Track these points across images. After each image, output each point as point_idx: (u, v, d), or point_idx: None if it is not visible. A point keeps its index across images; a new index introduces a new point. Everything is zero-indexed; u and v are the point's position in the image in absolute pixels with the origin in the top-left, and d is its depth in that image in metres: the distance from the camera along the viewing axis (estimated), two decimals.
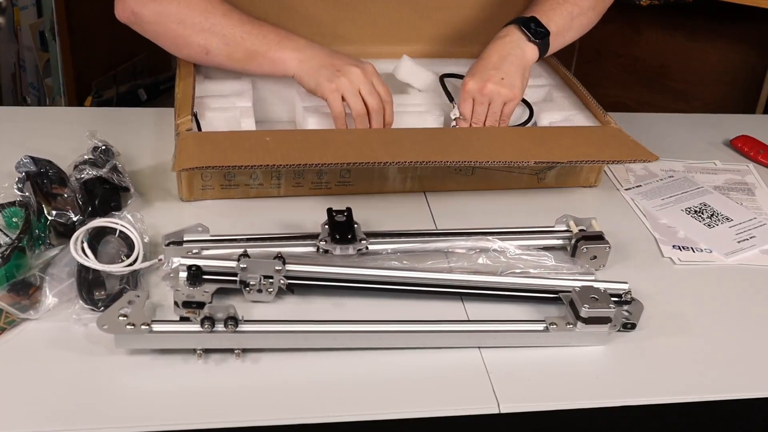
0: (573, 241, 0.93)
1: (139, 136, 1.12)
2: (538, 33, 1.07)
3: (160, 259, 0.85)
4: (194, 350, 0.76)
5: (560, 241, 0.95)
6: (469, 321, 0.84)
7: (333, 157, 0.93)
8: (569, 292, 0.83)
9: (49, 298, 0.79)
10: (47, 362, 0.74)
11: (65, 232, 0.87)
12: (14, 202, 0.90)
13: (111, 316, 0.74)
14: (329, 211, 0.90)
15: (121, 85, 2.22)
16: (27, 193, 0.91)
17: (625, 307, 0.85)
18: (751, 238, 1.03)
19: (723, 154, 1.25)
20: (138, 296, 0.76)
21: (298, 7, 1.14)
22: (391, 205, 1.03)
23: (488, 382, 0.77)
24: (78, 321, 0.78)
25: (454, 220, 1.00)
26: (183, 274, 0.81)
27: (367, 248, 0.88)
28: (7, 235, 0.85)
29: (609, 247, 0.92)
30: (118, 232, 0.86)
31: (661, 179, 1.15)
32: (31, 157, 0.94)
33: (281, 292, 0.84)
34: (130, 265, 0.83)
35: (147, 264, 0.85)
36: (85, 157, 0.98)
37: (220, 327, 0.75)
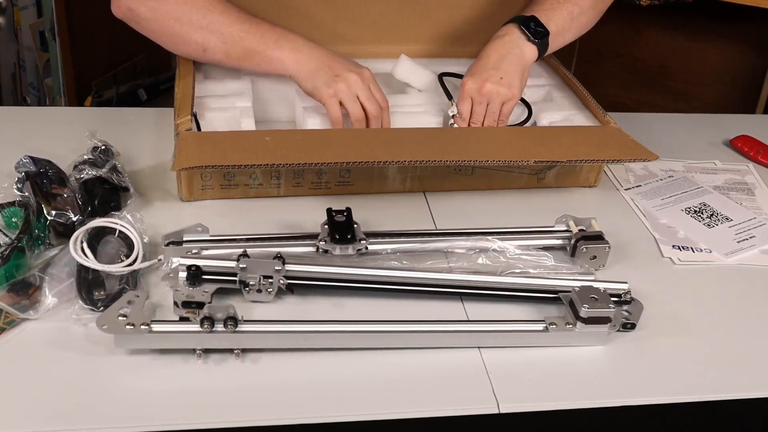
0: (573, 241, 0.92)
1: (139, 136, 1.12)
2: (537, 33, 1.07)
3: (160, 259, 0.85)
4: (194, 350, 0.76)
5: (560, 241, 0.95)
6: (468, 321, 0.84)
7: (333, 156, 0.93)
8: (569, 292, 0.83)
9: (48, 298, 0.79)
10: (47, 362, 0.74)
11: (65, 232, 0.87)
12: (14, 202, 0.90)
13: (111, 316, 0.74)
14: (329, 211, 0.90)
15: (121, 85, 2.22)
16: (27, 193, 0.91)
17: (625, 307, 0.85)
18: (750, 238, 1.03)
19: (723, 154, 1.25)
20: (138, 296, 0.76)
21: (298, 6, 1.14)
22: (390, 205, 1.02)
23: (488, 382, 0.77)
24: (78, 321, 0.78)
25: (453, 220, 1.00)
26: (183, 274, 0.81)
27: (366, 248, 0.88)
28: (7, 235, 0.85)
29: (609, 247, 0.92)
30: (117, 232, 0.86)
31: (661, 179, 1.15)
32: (31, 157, 0.94)
33: (281, 292, 0.84)
34: (130, 265, 0.83)
35: (147, 264, 0.85)
36: (85, 157, 0.98)
37: (219, 327, 0.75)
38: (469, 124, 1.06)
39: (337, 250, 0.88)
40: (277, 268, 0.82)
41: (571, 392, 0.77)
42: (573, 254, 0.92)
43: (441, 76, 1.12)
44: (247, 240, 0.88)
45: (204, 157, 0.91)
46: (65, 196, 0.90)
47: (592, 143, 1.03)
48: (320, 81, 1.01)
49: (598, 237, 0.92)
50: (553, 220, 0.96)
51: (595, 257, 0.92)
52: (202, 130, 0.99)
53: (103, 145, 1.00)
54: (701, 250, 1.00)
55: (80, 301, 0.79)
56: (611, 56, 1.92)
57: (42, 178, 0.92)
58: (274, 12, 1.11)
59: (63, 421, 0.69)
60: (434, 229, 0.99)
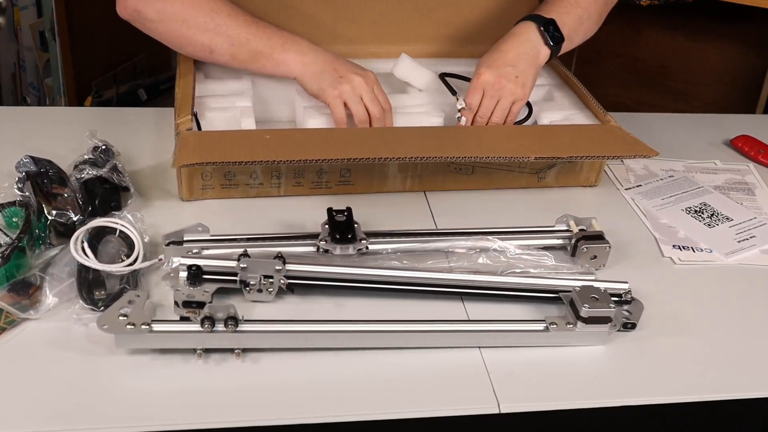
0: (573, 241, 0.92)
1: (139, 136, 1.12)
2: (555, 38, 1.06)
3: (160, 259, 0.85)
4: (194, 350, 0.76)
5: (560, 241, 0.95)
6: (469, 321, 0.84)
7: (333, 153, 0.93)
8: (569, 291, 0.83)
9: (49, 298, 0.79)
10: (47, 362, 0.74)
11: (65, 231, 0.87)
12: (14, 201, 0.90)
13: (111, 315, 0.74)
14: (329, 210, 0.90)
15: (121, 85, 2.22)
16: (27, 193, 0.91)
17: (625, 307, 0.85)
18: (751, 237, 1.03)
19: (723, 153, 1.25)
20: (138, 296, 0.76)
21: (299, 7, 1.14)
22: (391, 204, 1.03)
23: (488, 382, 0.77)
24: (78, 321, 0.78)
25: (454, 220, 1.00)
26: (183, 274, 0.81)
27: (367, 248, 0.88)
28: (7, 235, 0.85)
29: (609, 247, 0.92)
30: (118, 231, 0.86)
31: (662, 179, 1.15)
32: (31, 157, 0.94)
33: (281, 292, 0.84)
34: (130, 264, 0.83)
35: (147, 264, 0.85)
36: (85, 156, 0.98)
37: (220, 327, 0.75)
38: (474, 118, 1.05)
39: (338, 249, 0.88)
40: (277, 267, 0.82)
41: (571, 392, 0.77)
42: (573, 254, 0.92)
43: (442, 76, 1.12)
44: (248, 240, 0.88)
45: (204, 154, 0.91)
46: (66, 195, 0.90)
47: (593, 140, 1.03)
48: (325, 82, 1.01)
49: (599, 237, 0.92)
50: (554, 220, 0.96)
51: (595, 257, 0.92)
52: (203, 129, 0.99)
53: (104, 144, 1.00)
54: (702, 250, 1.00)
55: (81, 301, 0.79)
56: (611, 56, 1.93)
57: (42, 177, 0.92)
58: (275, 12, 1.11)
59: (63, 421, 0.69)
60: (435, 228, 0.99)
